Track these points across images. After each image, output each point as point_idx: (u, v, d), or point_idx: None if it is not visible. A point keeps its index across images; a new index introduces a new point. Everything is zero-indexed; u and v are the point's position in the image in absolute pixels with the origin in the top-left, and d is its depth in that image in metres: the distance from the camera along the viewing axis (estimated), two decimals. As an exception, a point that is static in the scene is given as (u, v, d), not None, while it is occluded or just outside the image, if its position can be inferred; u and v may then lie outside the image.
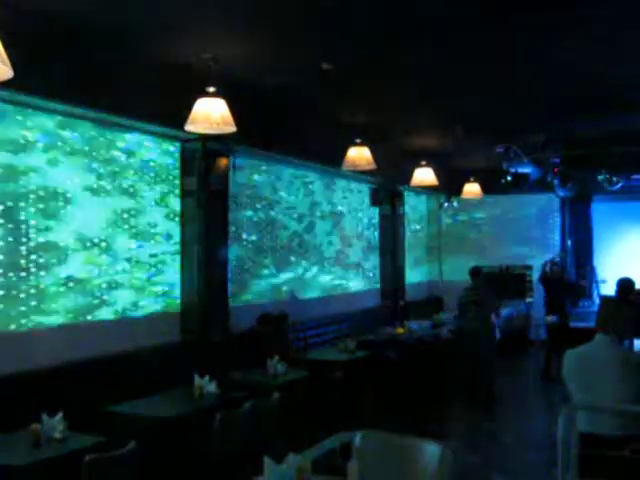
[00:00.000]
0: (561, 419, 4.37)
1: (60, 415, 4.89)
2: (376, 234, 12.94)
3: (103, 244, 6.84)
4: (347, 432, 4.12)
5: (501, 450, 7.73)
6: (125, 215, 7.12)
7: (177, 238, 7.73)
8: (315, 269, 10.86)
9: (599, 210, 14.19)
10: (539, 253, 14.15)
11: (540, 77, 7.28)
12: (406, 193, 13.40)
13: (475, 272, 10.04)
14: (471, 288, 9.99)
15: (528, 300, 14.23)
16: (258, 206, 9.41)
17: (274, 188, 9.80)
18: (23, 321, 5.98)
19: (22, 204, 6.01)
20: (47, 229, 6.23)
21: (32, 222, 6.10)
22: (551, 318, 11.05)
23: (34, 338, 6.04)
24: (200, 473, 5.53)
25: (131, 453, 4.47)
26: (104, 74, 6.08)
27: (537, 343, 12.93)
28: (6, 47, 4.01)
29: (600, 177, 11.67)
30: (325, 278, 11.13)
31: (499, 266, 14.43)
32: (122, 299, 7.05)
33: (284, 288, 9.94)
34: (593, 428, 4.29)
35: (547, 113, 9.03)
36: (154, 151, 7.52)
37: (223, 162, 7.77)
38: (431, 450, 3.65)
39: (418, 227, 15.13)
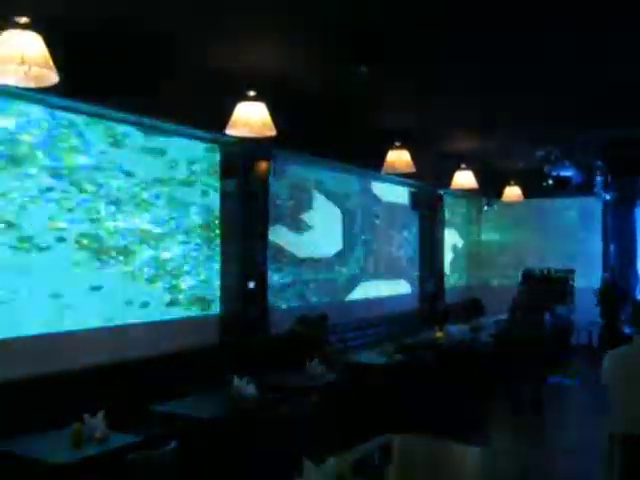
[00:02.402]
0: (606, 422, 4.32)
1: (101, 414, 4.94)
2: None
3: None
4: (387, 435, 4.10)
5: (545, 455, 7.62)
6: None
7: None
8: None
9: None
10: (581, 257, 13.97)
11: (583, 78, 7.18)
12: (446, 196, 13.32)
13: (526, 275, 10.06)
14: (523, 291, 9.93)
15: (570, 304, 14.04)
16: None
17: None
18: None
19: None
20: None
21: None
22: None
23: (77, 338, 6.15)
24: (239, 474, 5.54)
25: (172, 452, 4.50)
26: (145, 77, 6.14)
27: (579, 348, 12.76)
28: (51, 53, 4.11)
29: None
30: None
31: (541, 270, 14.25)
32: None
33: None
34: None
35: (590, 115, 8.91)
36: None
37: (263, 165, 7.80)
38: (471, 454, 3.62)
39: (458, 230, 15.01)
